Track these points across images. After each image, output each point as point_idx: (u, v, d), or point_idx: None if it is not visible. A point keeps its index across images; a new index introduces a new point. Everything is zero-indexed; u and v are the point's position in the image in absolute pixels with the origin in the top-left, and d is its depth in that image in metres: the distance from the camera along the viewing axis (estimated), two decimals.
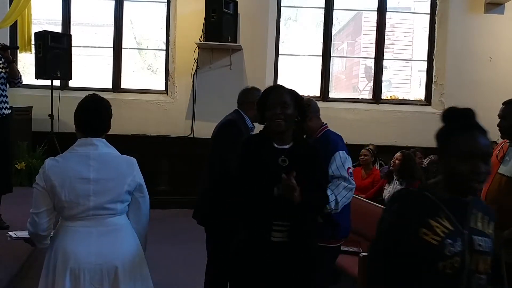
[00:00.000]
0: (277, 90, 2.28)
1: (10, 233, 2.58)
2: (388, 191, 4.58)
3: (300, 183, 2.06)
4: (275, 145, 2.23)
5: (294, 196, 2.04)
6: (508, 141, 2.78)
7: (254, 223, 2.17)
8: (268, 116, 2.21)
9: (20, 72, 4.12)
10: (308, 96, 6.93)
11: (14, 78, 3.97)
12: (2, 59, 3.92)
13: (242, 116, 2.94)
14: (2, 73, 3.90)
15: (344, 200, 2.63)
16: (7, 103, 3.97)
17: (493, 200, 2.68)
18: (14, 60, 3.97)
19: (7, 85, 4.00)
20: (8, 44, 3.94)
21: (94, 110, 2.14)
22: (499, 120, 2.79)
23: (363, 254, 3.26)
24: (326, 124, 2.94)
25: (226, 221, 2.64)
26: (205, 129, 6.39)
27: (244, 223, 2.24)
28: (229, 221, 2.55)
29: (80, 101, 2.18)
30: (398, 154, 4.61)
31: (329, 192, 2.55)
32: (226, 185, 2.55)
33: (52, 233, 2.12)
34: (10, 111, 4.00)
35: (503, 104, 2.83)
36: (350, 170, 2.70)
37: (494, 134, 6.66)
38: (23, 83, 4.22)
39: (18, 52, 6.33)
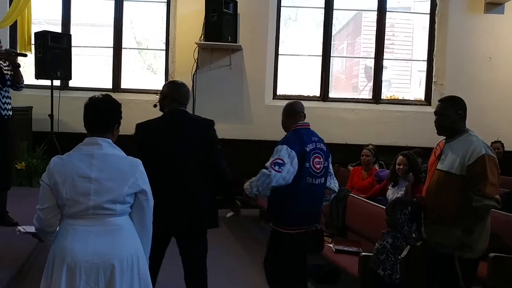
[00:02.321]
0: None
1: (19, 227, 2.61)
2: (392, 191, 4.55)
3: None
4: None
5: None
6: (445, 138, 2.90)
7: None
8: None
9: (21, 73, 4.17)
10: (308, 96, 6.95)
11: (17, 82, 4.05)
12: (8, 63, 3.96)
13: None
14: (8, 76, 3.96)
15: (259, 183, 2.78)
16: (10, 105, 4.03)
17: (434, 195, 2.82)
18: (20, 65, 4.03)
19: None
20: (14, 49, 4.03)
21: (96, 109, 2.15)
22: (436, 117, 2.89)
23: (363, 254, 3.26)
24: (299, 124, 3.02)
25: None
26: None
27: None
28: None
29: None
30: (401, 158, 4.50)
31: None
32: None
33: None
34: (11, 112, 4.05)
35: (439, 101, 2.94)
36: (278, 161, 2.78)
37: (493, 134, 6.68)
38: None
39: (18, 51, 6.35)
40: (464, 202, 2.65)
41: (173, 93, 2.91)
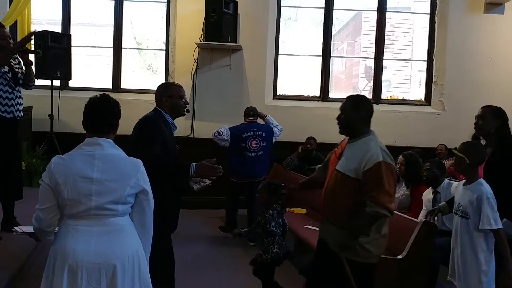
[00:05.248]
0: None
1: (16, 228, 2.60)
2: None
3: None
4: None
5: None
6: (347, 138, 2.81)
7: None
8: None
9: (33, 71, 4.07)
10: (308, 96, 6.96)
11: (29, 81, 3.93)
12: (19, 61, 3.88)
13: (160, 113, 2.98)
14: (20, 75, 3.85)
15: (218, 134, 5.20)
16: (22, 105, 3.91)
17: (330, 195, 2.76)
18: (32, 63, 3.92)
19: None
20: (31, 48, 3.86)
21: (97, 110, 2.15)
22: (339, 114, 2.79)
23: None
24: (245, 120, 5.36)
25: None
26: (205, 129, 6.40)
27: None
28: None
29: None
30: (400, 158, 4.55)
31: None
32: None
33: (56, 229, 2.14)
34: (22, 113, 3.94)
35: (345, 99, 2.83)
36: (219, 131, 5.18)
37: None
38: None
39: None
40: (356, 205, 2.57)
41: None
